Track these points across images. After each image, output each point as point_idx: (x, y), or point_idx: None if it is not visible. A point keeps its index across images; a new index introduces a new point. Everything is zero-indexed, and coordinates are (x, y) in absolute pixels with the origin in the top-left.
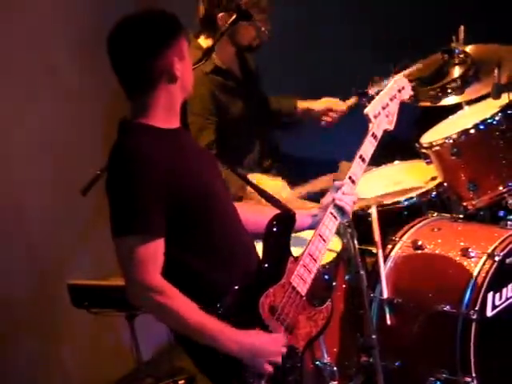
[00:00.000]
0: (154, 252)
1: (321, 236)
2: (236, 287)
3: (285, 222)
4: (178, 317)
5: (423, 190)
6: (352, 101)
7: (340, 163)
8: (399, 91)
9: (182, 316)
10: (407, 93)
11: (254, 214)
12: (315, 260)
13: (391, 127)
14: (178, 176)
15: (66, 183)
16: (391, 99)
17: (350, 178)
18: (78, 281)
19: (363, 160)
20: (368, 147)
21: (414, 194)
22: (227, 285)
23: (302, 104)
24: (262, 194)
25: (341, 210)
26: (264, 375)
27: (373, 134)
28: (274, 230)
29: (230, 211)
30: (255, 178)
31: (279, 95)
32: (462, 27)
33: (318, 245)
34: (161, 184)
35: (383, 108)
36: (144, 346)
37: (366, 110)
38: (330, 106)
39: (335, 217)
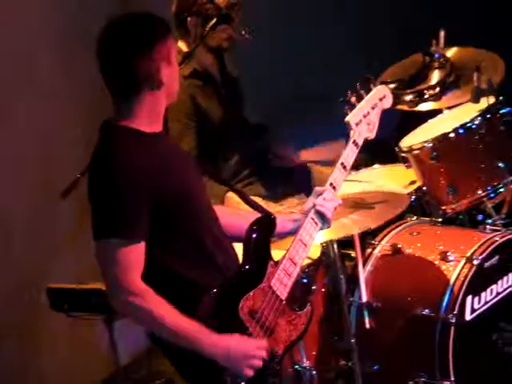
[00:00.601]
0: (136, 256)
1: (301, 241)
2: (216, 290)
3: (265, 225)
4: (156, 320)
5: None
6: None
7: (312, 167)
8: (380, 100)
9: (161, 319)
10: (388, 101)
11: (234, 218)
12: (295, 264)
13: (372, 135)
14: (161, 180)
15: (47, 185)
16: (372, 107)
17: (331, 184)
18: (58, 284)
19: (344, 167)
20: (349, 155)
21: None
22: (207, 288)
23: (306, 156)
24: (244, 198)
25: (322, 215)
26: (243, 379)
27: (354, 141)
28: (255, 233)
29: (211, 215)
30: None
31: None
32: (442, 31)
33: (299, 249)
34: (144, 187)
35: (364, 116)
36: (123, 349)
37: (348, 118)
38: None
39: (316, 222)
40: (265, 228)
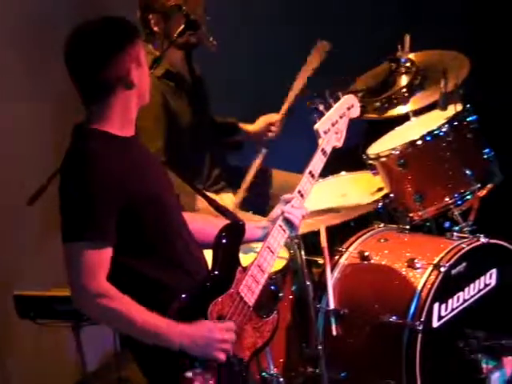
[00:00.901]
0: (103, 258)
1: (269, 248)
2: (185, 294)
3: (234, 232)
4: (124, 319)
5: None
6: (284, 107)
7: (272, 171)
8: (348, 109)
9: (129, 318)
10: (356, 111)
11: (203, 224)
12: (263, 271)
13: (340, 144)
14: (131, 183)
15: (14, 187)
16: (340, 116)
17: (299, 192)
18: (24, 291)
19: (312, 175)
20: (317, 163)
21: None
22: (176, 292)
23: (243, 126)
24: (213, 203)
25: (289, 223)
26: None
27: (322, 149)
28: (224, 239)
29: (180, 220)
30: None
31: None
32: (407, 36)
33: (267, 256)
34: (113, 191)
35: (333, 125)
36: (90, 356)
37: (316, 126)
38: (269, 121)
39: (284, 230)
40: (234, 234)
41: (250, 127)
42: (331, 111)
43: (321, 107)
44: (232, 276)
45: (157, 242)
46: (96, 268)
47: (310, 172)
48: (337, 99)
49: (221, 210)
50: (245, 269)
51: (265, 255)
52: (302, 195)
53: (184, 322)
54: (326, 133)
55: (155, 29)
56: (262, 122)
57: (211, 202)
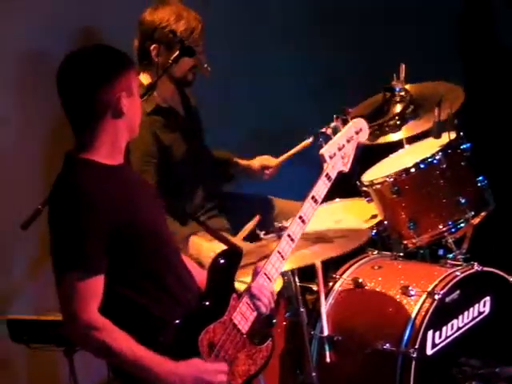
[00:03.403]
0: (93, 288)
1: (266, 274)
2: (176, 322)
3: (231, 258)
4: (115, 352)
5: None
6: (283, 157)
7: (275, 200)
8: (357, 133)
9: (118, 350)
10: (365, 135)
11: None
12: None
13: (346, 169)
14: (120, 212)
15: (7, 215)
16: (348, 140)
17: (300, 217)
18: (17, 316)
19: (315, 201)
20: (321, 188)
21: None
22: (167, 320)
23: (238, 161)
24: (210, 231)
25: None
26: None
27: (327, 174)
28: (220, 264)
29: (172, 248)
30: None
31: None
32: (402, 65)
33: (264, 283)
34: (103, 221)
35: (339, 149)
36: (83, 381)
37: (322, 151)
38: (264, 163)
39: (282, 256)
40: (230, 260)
41: (244, 163)
42: (338, 135)
43: (328, 131)
44: (225, 303)
45: (147, 270)
46: (86, 298)
47: (313, 197)
48: (345, 123)
49: (217, 236)
50: (239, 296)
51: (261, 282)
52: (303, 221)
53: (175, 354)
54: (331, 158)
55: (156, 59)
56: (257, 163)
57: (208, 229)
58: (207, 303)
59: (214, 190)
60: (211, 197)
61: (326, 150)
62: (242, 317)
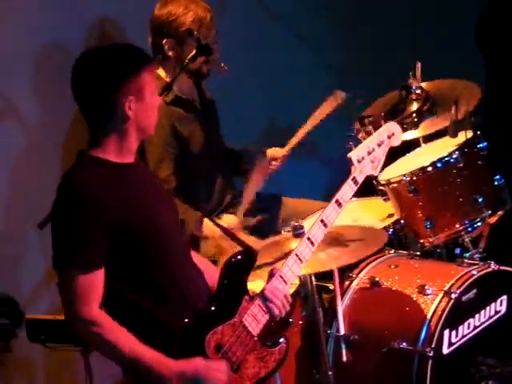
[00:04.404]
0: (92, 284)
1: (281, 277)
2: (185, 321)
3: (245, 259)
4: (114, 348)
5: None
6: (289, 146)
7: (282, 198)
8: (389, 137)
9: (119, 347)
10: (397, 139)
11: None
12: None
13: (375, 173)
14: (125, 210)
15: (25, 216)
16: (379, 144)
17: (321, 221)
18: (35, 315)
19: (339, 205)
20: (347, 192)
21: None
22: (175, 321)
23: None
24: (227, 232)
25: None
26: None
27: (353, 178)
28: (233, 266)
29: (180, 247)
30: None
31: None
32: (418, 64)
33: (278, 286)
34: (102, 217)
35: (369, 153)
36: (99, 381)
37: (350, 154)
38: (272, 155)
39: (300, 259)
40: (244, 262)
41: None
42: (369, 139)
43: (360, 135)
44: (236, 304)
45: (154, 268)
46: (86, 294)
47: (337, 201)
48: (377, 127)
49: (233, 236)
50: (252, 298)
51: (276, 284)
52: (325, 224)
53: (181, 353)
54: (359, 161)
55: (169, 54)
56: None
57: (223, 230)
58: (216, 304)
59: (230, 184)
60: (228, 190)
61: (354, 154)
62: (254, 319)
